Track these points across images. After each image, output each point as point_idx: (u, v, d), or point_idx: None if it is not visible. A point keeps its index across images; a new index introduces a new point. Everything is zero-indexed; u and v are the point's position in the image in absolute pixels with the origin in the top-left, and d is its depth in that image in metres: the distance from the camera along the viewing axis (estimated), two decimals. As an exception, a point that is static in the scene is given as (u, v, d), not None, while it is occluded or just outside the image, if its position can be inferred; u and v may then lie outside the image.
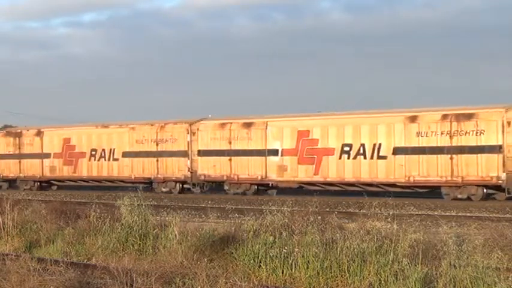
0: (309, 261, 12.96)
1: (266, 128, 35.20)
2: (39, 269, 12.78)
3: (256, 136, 35.46)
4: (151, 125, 39.93)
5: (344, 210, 25.62)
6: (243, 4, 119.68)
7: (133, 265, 13.53)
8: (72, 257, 16.42)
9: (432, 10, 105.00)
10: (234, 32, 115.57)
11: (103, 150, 41.35)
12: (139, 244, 16.36)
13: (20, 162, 44.90)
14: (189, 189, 38.27)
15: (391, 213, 15.01)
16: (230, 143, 36.24)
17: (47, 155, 43.78)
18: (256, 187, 35.87)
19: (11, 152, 45.39)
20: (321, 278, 12.74)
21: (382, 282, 12.06)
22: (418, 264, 11.96)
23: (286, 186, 34.88)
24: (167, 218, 17.51)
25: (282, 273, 13.24)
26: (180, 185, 38.53)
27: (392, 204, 21.20)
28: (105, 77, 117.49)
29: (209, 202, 31.68)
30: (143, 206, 17.33)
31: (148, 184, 39.53)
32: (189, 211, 25.80)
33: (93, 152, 41.76)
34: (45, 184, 44.60)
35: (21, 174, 44.91)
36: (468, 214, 25.03)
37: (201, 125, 37.83)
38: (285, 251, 13.38)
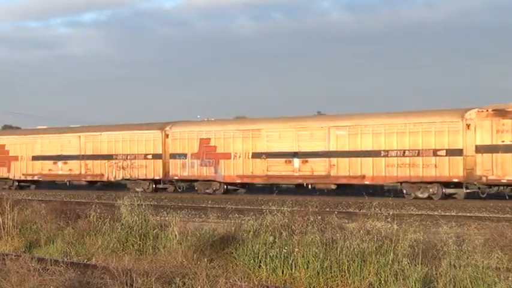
0: (309, 261, 12.96)
1: None
2: (39, 269, 12.76)
3: None
4: None
5: (344, 210, 25.59)
6: (243, 4, 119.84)
7: (133, 265, 13.52)
8: (72, 257, 16.42)
9: (432, 10, 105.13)
10: (234, 31, 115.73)
11: None
12: (139, 244, 16.36)
13: None
14: None
15: (391, 213, 15.01)
16: None
17: None
18: None
19: (505, 142, 29.53)
20: (321, 278, 12.73)
21: (382, 282, 12.06)
22: (418, 264, 11.96)
23: None
24: (167, 218, 17.52)
25: (282, 273, 13.24)
26: None
27: (392, 204, 21.24)
28: (105, 77, 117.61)
29: (209, 202, 31.64)
30: (143, 206, 17.33)
31: None
32: (189, 211, 25.78)
33: None
34: None
35: None
36: (468, 214, 25.03)
37: None
38: (285, 251, 13.38)
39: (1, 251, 16.88)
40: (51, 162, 44.21)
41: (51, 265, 13.43)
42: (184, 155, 37.99)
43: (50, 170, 44.41)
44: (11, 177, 46.13)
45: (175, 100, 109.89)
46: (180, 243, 15.35)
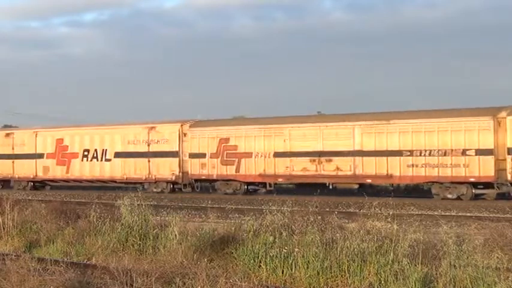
0: (309, 261, 12.96)
1: None
2: (39, 269, 12.77)
3: None
4: None
5: (344, 210, 25.60)
6: (243, 4, 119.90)
7: (133, 265, 13.53)
8: (72, 257, 16.42)
9: (433, 10, 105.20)
10: (234, 31, 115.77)
11: None
12: (139, 244, 16.36)
13: None
14: None
15: (391, 213, 14.99)
16: None
17: None
18: None
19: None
20: (321, 278, 12.73)
21: (382, 282, 12.06)
22: (418, 264, 11.96)
23: None
24: (167, 218, 17.52)
25: (282, 273, 13.24)
26: None
27: (393, 204, 21.14)
28: (105, 77, 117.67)
29: (209, 202, 31.67)
30: (143, 206, 17.33)
31: None
32: (189, 211, 25.80)
33: None
34: None
35: None
36: (468, 214, 25.04)
37: None
38: (285, 251, 13.38)
39: (1, 251, 16.88)
40: None
41: (51, 265, 13.43)
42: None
43: None
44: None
45: (176, 100, 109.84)
46: (180, 243, 15.35)
